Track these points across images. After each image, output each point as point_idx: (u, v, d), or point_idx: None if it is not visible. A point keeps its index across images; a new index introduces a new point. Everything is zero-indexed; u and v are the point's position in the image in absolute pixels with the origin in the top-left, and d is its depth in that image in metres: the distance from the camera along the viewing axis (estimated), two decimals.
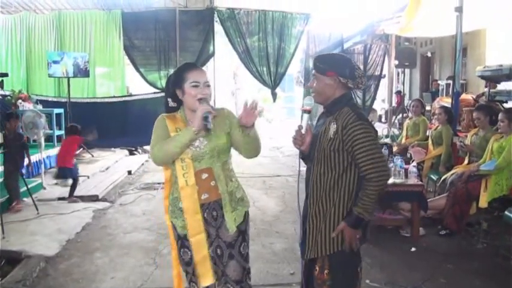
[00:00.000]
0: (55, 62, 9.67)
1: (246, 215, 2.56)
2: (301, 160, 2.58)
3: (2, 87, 5.17)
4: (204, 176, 2.41)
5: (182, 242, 2.47)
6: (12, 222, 5.28)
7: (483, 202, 4.60)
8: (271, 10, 11.70)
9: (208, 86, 2.41)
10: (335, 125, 2.32)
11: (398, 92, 11.72)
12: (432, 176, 5.98)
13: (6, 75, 5.44)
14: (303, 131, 2.42)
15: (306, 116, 2.44)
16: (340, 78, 2.35)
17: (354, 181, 2.36)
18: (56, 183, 7.36)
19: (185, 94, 2.40)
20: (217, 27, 11.72)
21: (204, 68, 12.03)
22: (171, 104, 2.49)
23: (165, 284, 3.81)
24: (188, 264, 2.48)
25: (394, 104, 11.42)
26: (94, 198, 6.56)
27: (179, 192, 2.40)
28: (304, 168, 2.58)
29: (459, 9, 5.97)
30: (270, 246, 4.83)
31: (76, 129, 6.82)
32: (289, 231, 5.30)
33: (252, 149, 2.46)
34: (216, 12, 11.47)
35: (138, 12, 11.46)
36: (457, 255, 4.43)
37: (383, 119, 12.33)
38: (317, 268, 2.43)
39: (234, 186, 2.51)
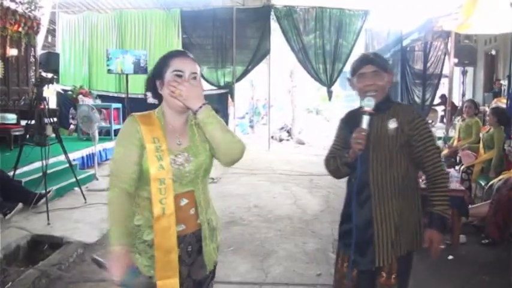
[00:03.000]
0: (116, 59, 10.11)
1: (217, 248, 2.09)
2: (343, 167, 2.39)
3: (52, 83, 5.49)
4: (184, 202, 1.89)
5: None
6: (59, 210, 5.58)
7: None
8: (328, 7, 11.55)
9: (195, 78, 1.88)
10: (395, 122, 2.26)
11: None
12: (481, 181, 5.67)
13: (56, 72, 5.77)
14: (363, 133, 2.23)
15: (366, 118, 2.22)
16: (392, 77, 2.39)
17: (415, 177, 2.37)
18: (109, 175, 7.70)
19: (164, 85, 1.87)
20: (274, 25, 11.75)
21: (263, 64, 12.26)
22: (151, 99, 1.98)
23: None
24: None
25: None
26: None
27: (147, 219, 1.88)
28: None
29: None
30: (303, 245, 4.79)
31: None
32: (326, 231, 5.22)
33: (219, 148, 1.87)
34: (272, 10, 11.49)
35: (196, 10, 11.73)
36: (496, 267, 4.16)
37: (444, 120, 11.83)
38: (384, 274, 2.30)
39: (211, 213, 2.02)
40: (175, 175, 1.85)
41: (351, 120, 2.45)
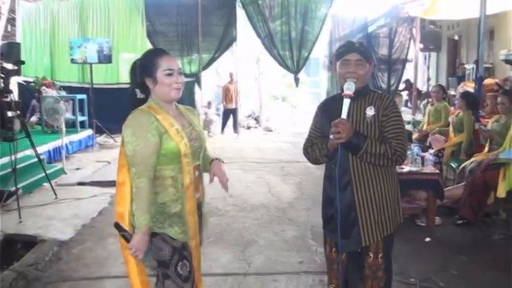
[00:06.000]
0: (78, 48, 9.79)
1: None
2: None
3: (19, 74, 5.26)
4: (197, 173, 2.24)
5: (180, 253, 2.16)
6: (30, 207, 5.38)
7: (501, 192, 4.43)
8: None
9: (181, 73, 2.19)
10: (373, 108, 2.33)
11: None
12: (452, 164, 5.81)
13: (23, 62, 5.51)
14: (344, 116, 2.25)
15: (347, 101, 2.27)
16: (372, 67, 2.44)
17: None
18: (78, 168, 7.50)
19: (158, 83, 2.13)
20: (240, 11, 11.64)
21: (228, 52, 12.15)
22: (140, 95, 2.20)
23: None
24: (187, 280, 2.17)
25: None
26: (112, 184, 6.54)
27: (174, 194, 2.15)
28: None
29: None
30: (282, 233, 4.79)
31: None
32: (302, 218, 5.25)
33: None
34: None
35: None
36: (472, 246, 4.31)
37: (409, 104, 12.08)
38: (371, 255, 2.40)
39: None
40: (192, 151, 2.17)
41: (328, 107, 2.51)
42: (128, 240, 2.10)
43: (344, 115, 2.25)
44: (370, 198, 2.36)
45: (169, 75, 2.11)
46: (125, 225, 2.16)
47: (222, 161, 2.37)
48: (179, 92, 2.16)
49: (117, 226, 2.15)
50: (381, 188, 2.37)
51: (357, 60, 2.33)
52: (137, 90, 2.19)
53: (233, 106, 12.75)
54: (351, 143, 2.25)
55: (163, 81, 2.11)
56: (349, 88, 2.28)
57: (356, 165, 2.36)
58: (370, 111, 2.33)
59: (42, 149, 7.26)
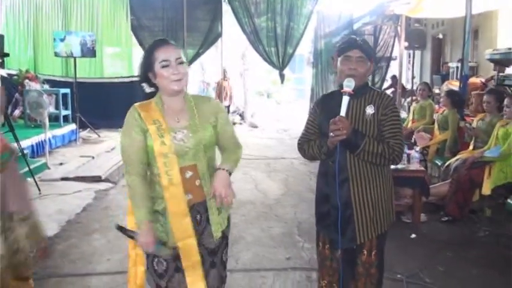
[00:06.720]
0: (61, 41, 9.63)
1: (229, 218, 2.30)
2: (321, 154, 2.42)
3: (2, 67, 5.15)
4: (188, 174, 2.09)
5: None
6: None
7: (486, 189, 4.50)
8: None
9: (182, 63, 2.06)
10: (373, 107, 2.32)
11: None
12: (437, 161, 5.88)
13: (7, 55, 5.39)
14: (343, 114, 2.23)
15: (346, 98, 2.23)
16: (373, 65, 2.45)
17: None
18: (61, 163, 7.40)
19: (157, 77, 2.07)
20: (226, 7, 11.60)
21: (212, 47, 12.09)
22: (148, 89, 2.16)
23: None
24: (161, 277, 2.16)
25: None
26: (97, 179, 6.55)
27: (159, 192, 2.10)
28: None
29: None
30: (269, 230, 4.79)
31: None
32: (289, 215, 5.25)
33: None
34: None
35: None
36: (458, 243, 4.35)
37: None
38: (365, 252, 2.41)
39: None
40: (177, 150, 2.05)
41: (326, 104, 2.48)
42: (135, 239, 2.10)
43: (343, 112, 2.22)
44: (366, 196, 2.36)
45: (166, 66, 2.03)
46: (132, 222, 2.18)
47: (228, 171, 2.14)
48: (180, 84, 2.06)
49: (120, 228, 2.14)
50: (376, 186, 2.37)
51: (359, 57, 2.31)
52: (144, 85, 2.16)
53: (227, 103, 12.80)
54: (349, 141, 2.24)
55: (161, 74, 2.04)
56: (349, 85, 2.25)
57: (353, 163, 2.35)
58: (369, 110, 2.33)
59: (25, 143, 7.13)
